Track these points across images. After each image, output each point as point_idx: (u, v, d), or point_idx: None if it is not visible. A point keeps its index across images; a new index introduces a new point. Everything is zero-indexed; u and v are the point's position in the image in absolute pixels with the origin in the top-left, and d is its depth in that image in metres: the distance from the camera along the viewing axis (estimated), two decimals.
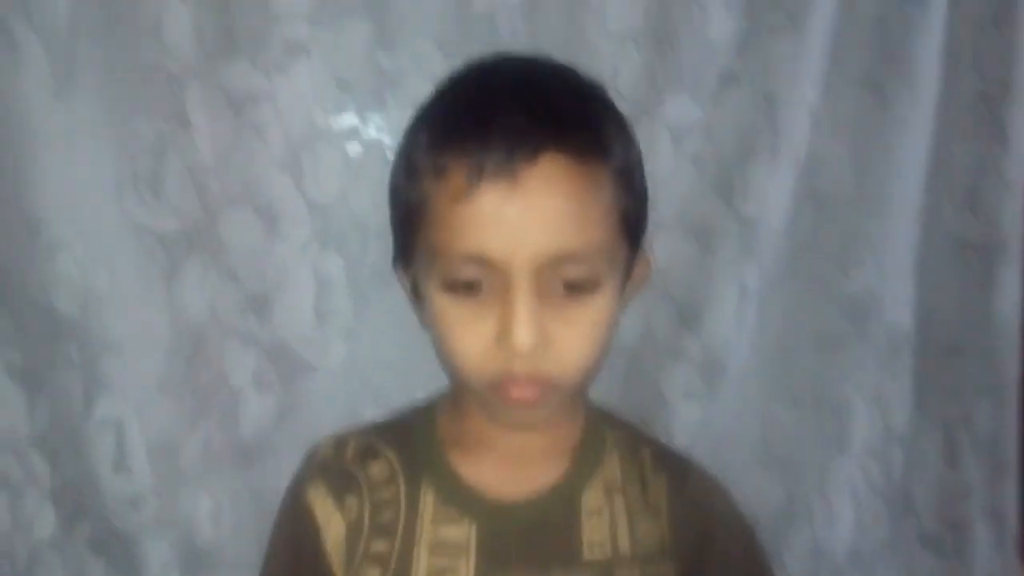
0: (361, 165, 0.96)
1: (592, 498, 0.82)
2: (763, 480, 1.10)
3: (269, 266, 0.95)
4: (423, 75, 0.96)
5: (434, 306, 0.75)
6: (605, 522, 0.81)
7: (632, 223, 0.76)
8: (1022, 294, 1.14)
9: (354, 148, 0.97)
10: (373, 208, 0.96)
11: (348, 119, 0.96)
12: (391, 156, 0.95)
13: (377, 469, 0.82)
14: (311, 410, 0.98)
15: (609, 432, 0.87)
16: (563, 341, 0.72)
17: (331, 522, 0.80)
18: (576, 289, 0.72)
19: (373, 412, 0.97)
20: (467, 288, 0.72)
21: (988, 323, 1.13)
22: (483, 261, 0.70)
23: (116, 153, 0.93)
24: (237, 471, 0.99)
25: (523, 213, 0.69)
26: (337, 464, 0.83)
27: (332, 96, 0.95)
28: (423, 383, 0.97)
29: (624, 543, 0.81)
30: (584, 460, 0.84)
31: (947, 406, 1.15)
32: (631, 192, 0.76)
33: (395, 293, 0.96)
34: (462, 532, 0.79)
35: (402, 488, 0.81)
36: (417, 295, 0.80)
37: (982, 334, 1.13)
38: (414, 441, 0.84)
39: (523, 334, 0.70)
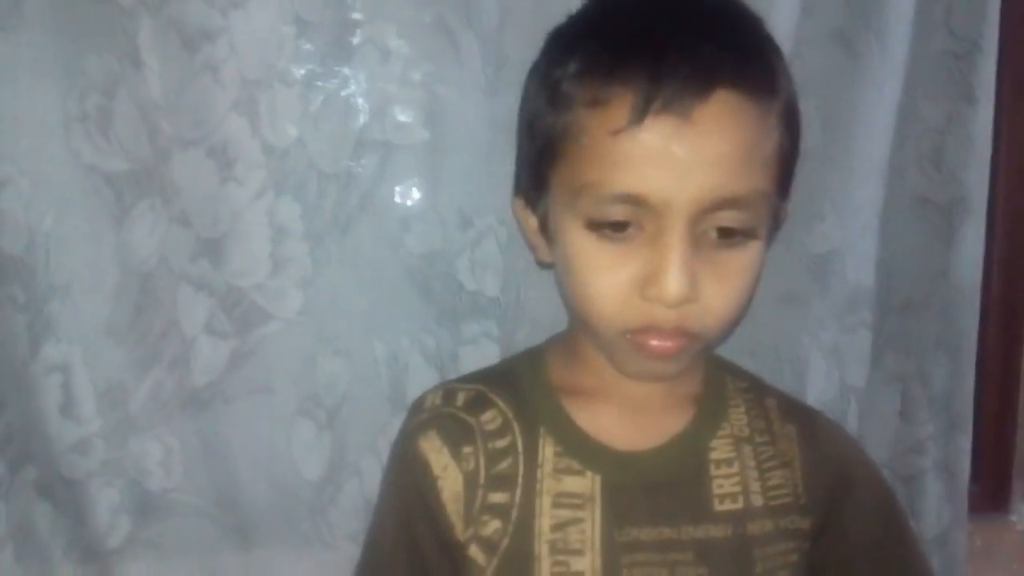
0: (320, 108, 0.93)
1: (720, 449, 0.80)
2: None
3: (223, 211, 0.93)
4: (387, 17, 0.94)
5: (572, 246, 0.71)
6: (735, 473, 0.79)
7: (789, 167, 0.73)
8: (983, 253, 1.14)
9: (313, 89, 0.93)
10: (332, 152, 0.94)
11: (308, 59, 0.93)
12: (352, 99, 0.94)
13: (489, 417, 0.79)
14: (266, 358, 0.96)
15: (731, 382, 0.85)
16: (711, 292, 0.69)
17: (448, 472, 0.77)
18: (731, 236, 0.69)
19: (330, 361, 0.96)
20: (613, 228, 0.68)
21: (948, 280, 1.13)
22: (639, 201, 0.66)
23: (64, 90, 0.90)
24: (188, 418, 0.97)
25: (690, 153, 0.65)
26: (449, 413, 0.80)
27: (291, 35, 0.92)
28: (381, 332, 0.97)
29: (756, 495, 0.79)
30: (708, 410, 0.81)
31: (904, 362, 1.16)
32: (793, 133, 0.73)
33: (353, 241, 0.96)
34: (586, 483, 0.76)
35: (518, 437, 0.78)
36: (545, 233, 0.76)
37: (941, 291, 1.14)
38: (525, 389, 0.81)
39: (675, 282, 0.66)
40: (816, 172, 1.05)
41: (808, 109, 1.02)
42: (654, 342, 0.70)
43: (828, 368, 1.11)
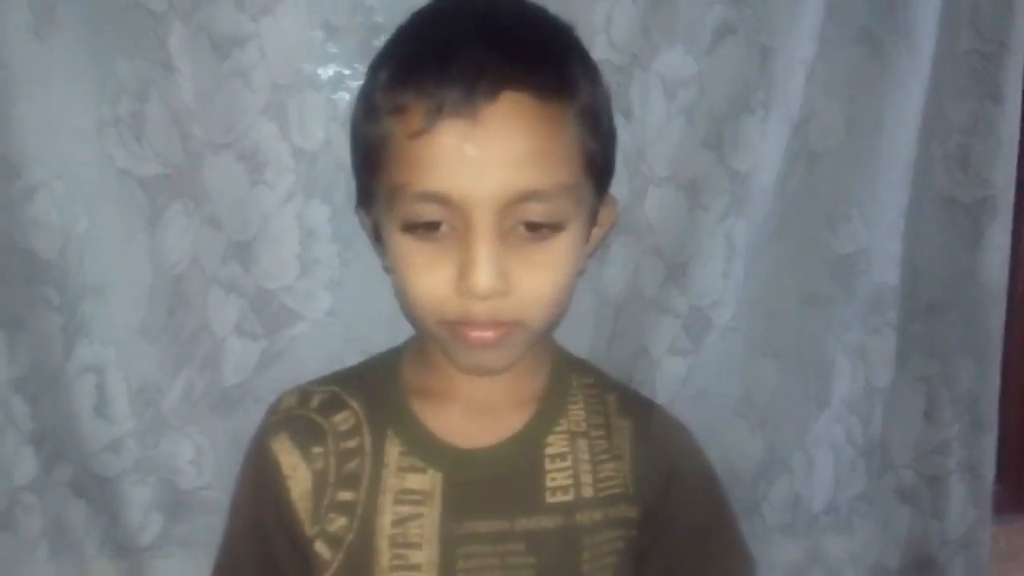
0: (348, 112, 0.93)
1: (556, 444, 0.83)
2: (745, 433, 1.10)
3: (253, 213, 0.94)
4: None
5: (393, 248, 0.75)
6: (568, 467, 0.83)
7: (598, 165, 0.77)
8: (1009, 253, 1.13)
9: (341, 94, 0.94)
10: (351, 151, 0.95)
11: (335, 65, 0.94)
12: None
13: (342, 419, 0.83)
14: (295, 358, 0.97)
15: (576, 379, 0.88)
16: (525, 283, 0.72)
17: (297, 472, 0.81)
18: (538, 230, 0.72)
19: (357, 362, 0.97)
20: (426, 229, 0.72)
21: (973, 282, 1.12)
22: (442, 200, 0.70)
23: (97, 95, 0.91)
24: (219, 417, 0.98)
25: (482, 152, 0.69)
26: (302, 415, 0.83)
27: (319, 41, 0.93)
28: (408, 333, 0.97)
29: (587, 487, 0.83)
30: (548, 407, 0.85)
31: (929, 363, 1.15)
32: (597, 133, 0.76)
33: None
34: (427, 481, 0.80)
35: (367, 438, 0.82)
36: (379, 239, 0.79)
37: (967, 292, 1.13)
38: (378, 391, 0.85)
39: (482, 276, 0.70)
40: (841, 173, 1.05)
41: (832, 109, 1.04)
42: (474, 333, 0.74)
43: (853, 369, 1.11)
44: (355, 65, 0.94)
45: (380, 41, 0.93)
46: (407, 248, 0.73)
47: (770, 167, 1.02)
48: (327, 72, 0.94)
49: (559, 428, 0.84)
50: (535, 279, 0.73)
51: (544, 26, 0.77)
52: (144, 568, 0.99)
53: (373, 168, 0.75)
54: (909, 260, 1.12)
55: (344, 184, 0.95)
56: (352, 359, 0.97)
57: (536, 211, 0.71)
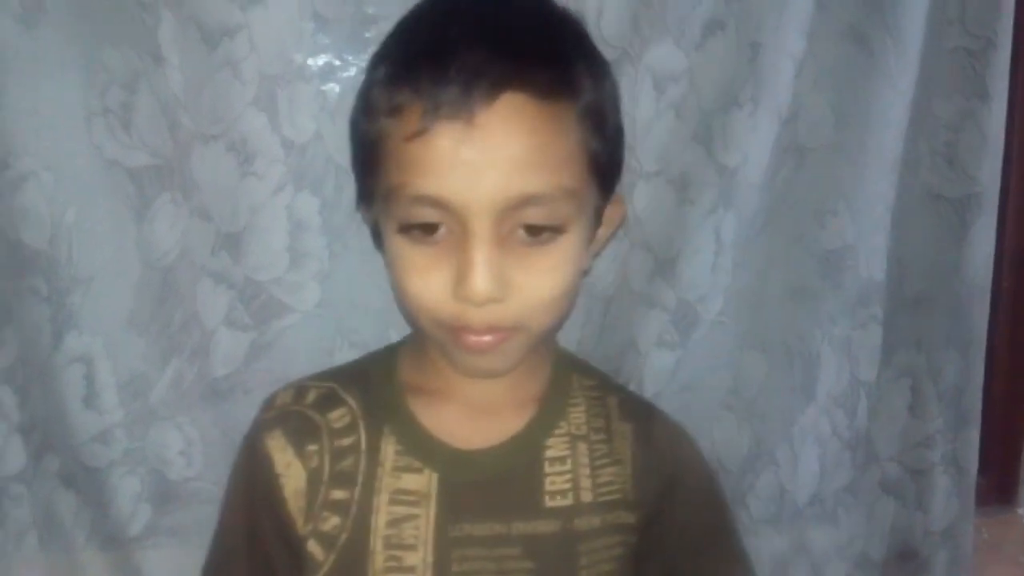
0: (338, 103, 0.94)
1: (555, 447, 0.82)
2: (731, 426, 1.11)
3: (242, 205, 0.94)
4: (401, 11, 0.93)
5: (391, 248, 0.73)
6: (568, 471, 0.81)
7: (602, 166, 0.74)
8: (994, 249, 1.15)
9: (331, 85, 0.94)
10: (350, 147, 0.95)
11: (326, 56, 0.94)
12: None
13: (337, 416, 0.81)
14: (284, 350, 0.97)
15: (577, 381, 0.87)
16: (524, 288, 0.70)
17: (290, 470, 0.79)
18: (538, 234, 0.70)
19: (347, 354, 0.97)
20: (424, 230, 0.70)
21: (959, 277, 1.14)
22: (439, 204, 0.68)
23: (86, 85, 0.91)
24: (208, 408, 0.98)
25: (479, 155, 0.67)
26: (297, 411, 0.82)
27: (309, 31, 0.93)
28: (398, 326, 0.97)
29: (586, 492, 0.81)
30: (548, 409, 0.83)
31: (915, 356, 1.17)
32: (601, 133, 0.73)
33: (369, 235, 0.96)
34: (423, 481, 0.79)
35: (363, 436, 0.80)
36: (377, 237, 0.78)
37: (952, 287, 1.14)
38: (375, 388, 0.83)
39: (479, 282, 0.68)
40: (829, 168, 1.06)
41: (821, 105, 1.05)
42: (471, 337, 0.72)
43: (839, 362, 1.12)
44: (345, 56, 0.94)
45: (371, 32, 0.94)
46: (404, 249, 0.72)
47: (758, 162, 1.03)
48: (317, 63, 0.94)
49: (559, 431, 0.83)
50: (535, 284, 0.71)
51: (548, 21, 0.74)
52: (133, 558, 0.99)
53: (370, 166, 0.74)
54: (895, 255, 1.12)
55: (334, 176, 0.95)
56: (342, 351, 0.97)
57: (536, 215, 0.69)
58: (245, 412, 0.95)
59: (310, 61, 0.93)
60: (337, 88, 0.94)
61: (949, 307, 1.15)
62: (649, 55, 0.97)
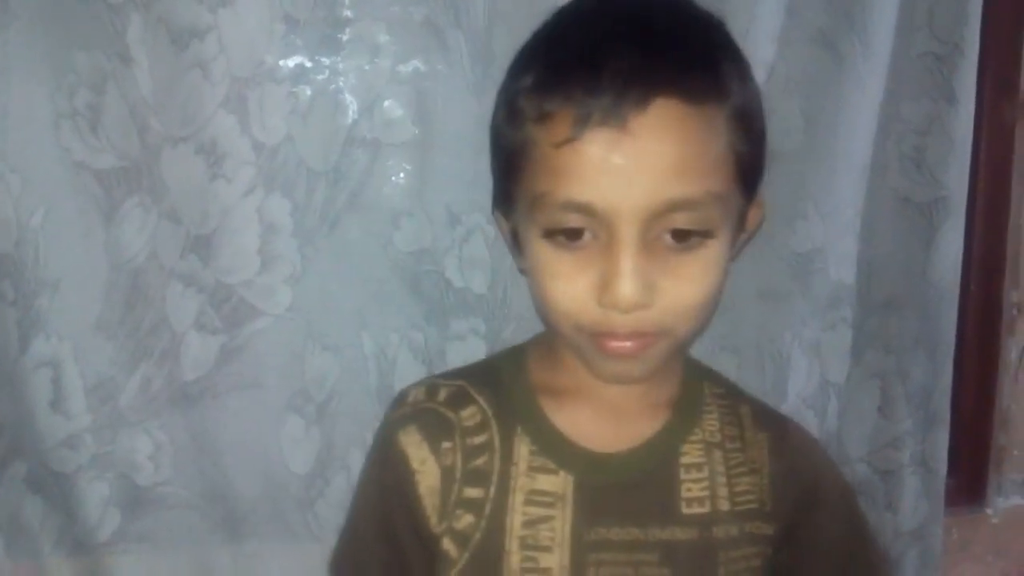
0: (309, 105, 0.94)
1: (691, 453, 0.81)
2: None
3: (212, 208, 0.93)
4: (375, 15, 0.94)
5: (534, 255, 0.73)
6: (704, 478, 0.81)
7: (748, 168, 0.74)
8: (962, 252, 1.16)
9: (302, 88, 0.94)
10: (321, 150, 0.94)
11: (297, 58, 0.93)
12: (340, 97, 0.95)
13: (469, 414, 0.81)
14: (255, 354, 0.96)
15: (707, 387, 0.86)
16: (670, 294, 0.70)
17: (426, 466, 0.79)
18: (686, 239, 0.70)
19: (319, 358, 0.97)
20: (569, 236, 0.70)
21: (927, 279, 1.15)
22: (586, 210, 0.68)
23: (53, 87, 0.90)
24: (178, 412, 0.97)
25: (631, 162, 0.66)
26: (430, 408, 0.81)
27: (280, 33, 0.92)
28: (369, 328, 0.97)
29: (723, 500, 0.81)
30: (683, 415, 0.83)
31: (884, 358, 1.17)
32: (748, 135, 0.73)
33: (342, 238, 0.96)
34: (559, 482, 0.78)
35: (496, 435, 0.80)
36: (517, 243, 0.78)
37: (921, 290, 1.15)
38: (506, 388, 0.83)
39: (625, 288, 0.67)
40: (799, 172, 1.06)
41: (791, 109, 1.06)
42: (613, 343, 0.72)
43: (809, 364, 1.12)
44: (318, 58, 0.94)
45: (345, 35, 0.94)
46: (548, 255, 0.71)
47: None
48: (288, 65, 0.93)
49: (694, 437, 0.82)
50: (681, 290, 0.70)
51: (694, 24, 0.74)
52: (101, 564, 0.98)
53: (514, 173, 0.73)
54: (865, 258, 1.13)
55: (305, 178, 0.94)
56: (313, 355, 0.97)
57: (684, 220, 0.69)
58: (215, 417, 0.96)
59: (281, 63, 0.93)
60: (309, 90, 0.94)
61: (918, 309, 1.16)
62: None
